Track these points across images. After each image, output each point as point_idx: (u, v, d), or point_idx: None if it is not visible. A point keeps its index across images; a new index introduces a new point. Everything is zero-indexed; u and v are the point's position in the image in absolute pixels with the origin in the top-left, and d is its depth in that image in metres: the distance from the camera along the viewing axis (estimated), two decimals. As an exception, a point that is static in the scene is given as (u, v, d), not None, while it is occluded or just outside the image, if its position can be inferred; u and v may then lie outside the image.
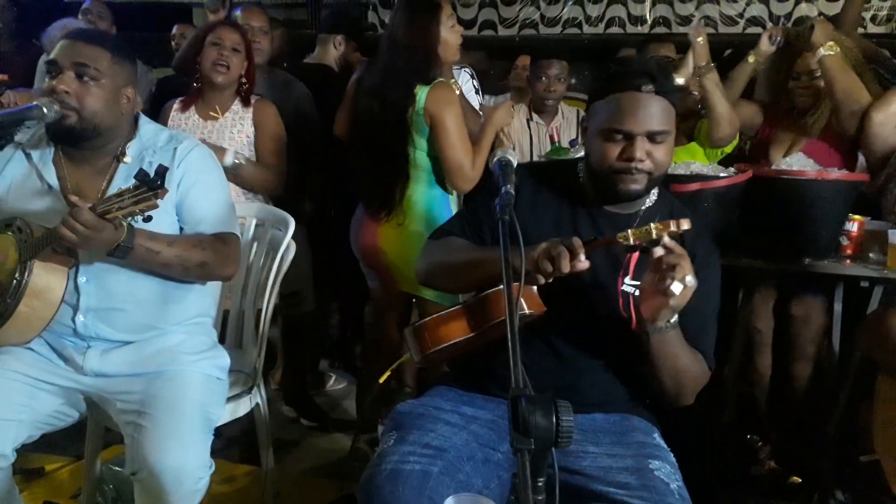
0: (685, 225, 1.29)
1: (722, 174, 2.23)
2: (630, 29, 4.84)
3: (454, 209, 2.42)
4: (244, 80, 2.52)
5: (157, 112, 2.55)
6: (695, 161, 2.39)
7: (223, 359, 1.85)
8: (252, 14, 2.81)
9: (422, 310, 2.44)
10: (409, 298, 2.52)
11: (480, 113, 2.64)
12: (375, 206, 2.39)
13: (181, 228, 1.75)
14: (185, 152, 1.74)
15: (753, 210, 2.27)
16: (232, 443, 2.59)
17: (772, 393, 2.61)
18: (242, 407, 2.00)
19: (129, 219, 1.51)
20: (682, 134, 2.80)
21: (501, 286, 1.18)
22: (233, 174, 2.36)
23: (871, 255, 2.29)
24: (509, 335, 1.07)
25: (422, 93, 2.26)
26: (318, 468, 2.62)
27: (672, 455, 1.49)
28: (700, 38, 2.56)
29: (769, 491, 2.44)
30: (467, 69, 3.04)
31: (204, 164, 1.77)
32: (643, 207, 1.56)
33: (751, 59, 2.68)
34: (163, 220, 1.67)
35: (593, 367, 1.53)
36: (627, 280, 1.45)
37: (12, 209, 1.70)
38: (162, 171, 1.46)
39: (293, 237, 2.11)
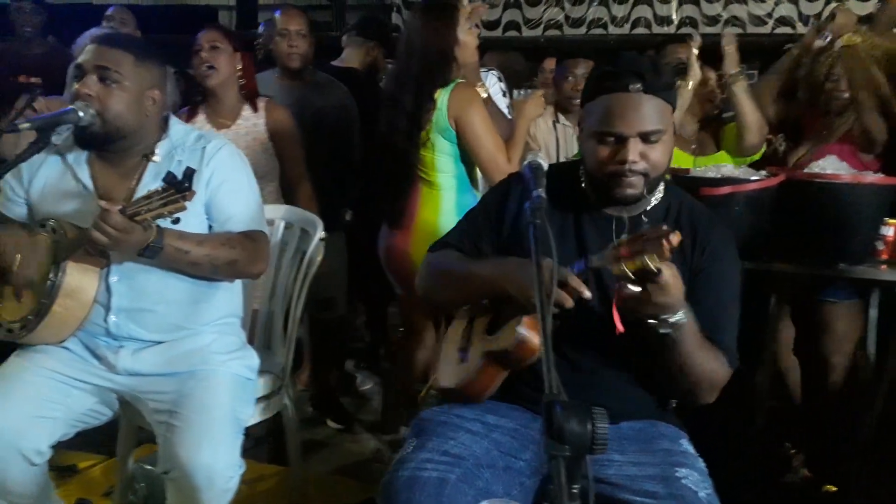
0: (676, 240, 1.23)
1: (753, 177, 2.20)
2: (656, 29, 4.81)
3: None
4: (241, 78, 2.48)
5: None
6: (726, 164, 2.36)
7: (252, 359, 1.87)
8: (291, 17, 2.78)
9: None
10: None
11: (509, 116, 2.64)
12: (395, 219, 2.38)
13: (210, 227, 1.76)
14: (214, 151, 1.76)
15: (786, 214, 2.23)
16: (259, 443, 2.61)
17: (805, 399, 2.57)
18: (271, 407, 2.02)
19: (158, 220, 1.53)
20: (711, 142, 2.78)
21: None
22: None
23: (907, 259, 2.25)
24: (544, 344, 1.06)
25: (443, 96, 2.26)
26: (344, 469, 2.63)
27: (701, 461, 1.47)
28: (730, 47, 2.52)
29: (803, 500, 2.39)
30: (495, 72, 3.03)
31: (232, 163, 1.79)
32: (648, 207, 1.53)
33: (795, 50, 2.64)
34: (192, 219, 1.68)
35: (613, 377, 1.50)
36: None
37: (47, 210, 1.73)
38: (189, 174, 1.48)
39: (331, 244, 2.12)
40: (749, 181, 2.18)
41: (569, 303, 1.31)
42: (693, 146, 2.88)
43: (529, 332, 1.37)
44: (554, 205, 1.51)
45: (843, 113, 2.48)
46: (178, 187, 1.46)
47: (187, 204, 1.49)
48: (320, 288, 2.16)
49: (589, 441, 0.96)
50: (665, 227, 1.23)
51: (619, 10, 4.83)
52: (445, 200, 2.36)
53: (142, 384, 1.74)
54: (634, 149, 1.41)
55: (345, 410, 3.01)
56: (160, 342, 1.76)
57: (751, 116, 2.48)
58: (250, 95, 2.52)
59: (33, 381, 1.67)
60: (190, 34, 4.31)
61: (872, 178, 2.23)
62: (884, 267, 2.24)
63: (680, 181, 2.30)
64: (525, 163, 1.41)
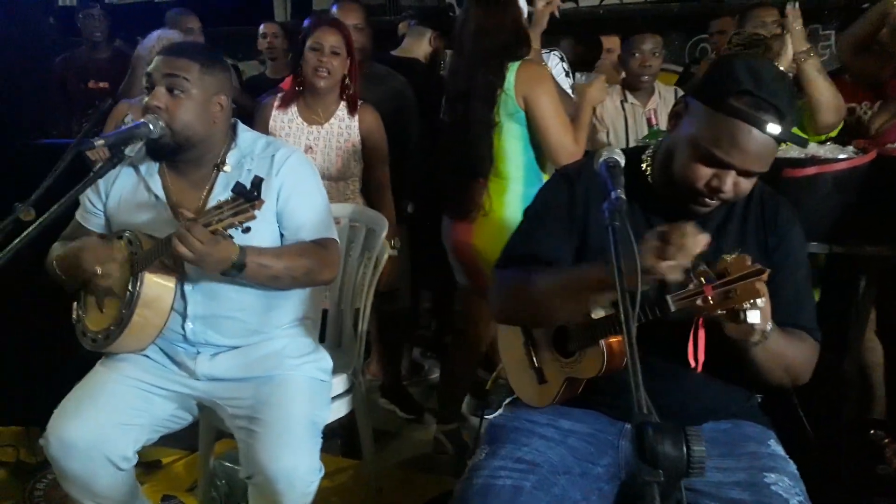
0: (765, 275, 1.15)
1: (841, 156, 2.06)
2: (724, -6, 4.55)
3: None
4: (347, 81, 2.48)
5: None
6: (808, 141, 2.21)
7: (326, 361, 1.88)
8: (348, 12, 2.76)
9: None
10: None
11: (572, 96, 2.55)
12: (461, 210, 2.34)
13: (282, 235, 1.77)
14: (283, 160, 1.76)
15: (877, 192, 2.08)
16: (332, 436, 2.64)
17: (889, 383, 2.44)
18: (344, 406, 2.03)
19: (229, 230, 1.53)
20: None
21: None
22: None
23: None
24: (629, 356, 1.01)
25: (510, 72, 2.20)
26: (415, 460, 2.65)
27: (792, 465, 1.40)
28: (796, 23, 2.33)
29: (899, 492, 2.28)
30: (557, 52, 2.94)
31: (302, 171, 1.79)
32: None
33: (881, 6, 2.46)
34: (264, 228, 1.70)
35: (693, 378, 1.40)
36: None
37: (122, 221, 1.77)
38: (257, 182, 1.48)
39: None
40: (837, 160, 2.05)
41: (675, 273, 1.18)
42: None
43: (613, 354, 1.34)
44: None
45: None
46: (247, 196, 1.47)
47: (257, 213, 1.49)
48: (384, 281, 2.15)
49: (685, 465, 0.93)
50: (754, 266, 1.15)
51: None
52: (512, 192, 2.32)
53: (220, 390, 1.77)
54: (732, 180, 1.33)
55: (413, 400, 3.03)
56: (236, 347, 1.79)
57: (825, 95, 2.30)
58: (352, 99, 2.51)
59: (117, 391, 1.72)
60: (245, 25, 4.35)
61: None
62: None
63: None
64: (601, 160, 1.33)
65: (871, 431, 2.47)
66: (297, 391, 1.73)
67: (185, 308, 1.74)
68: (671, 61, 3.82)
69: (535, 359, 1.52)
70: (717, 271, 1.18)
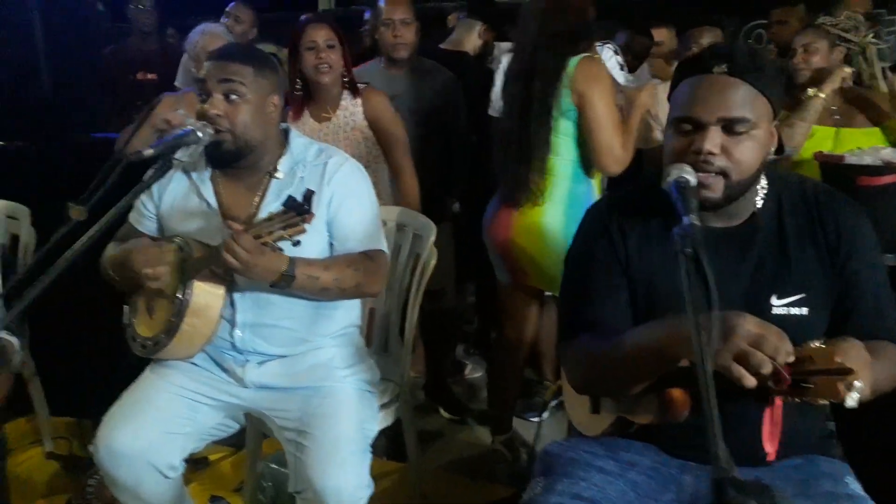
0: (851, 377, 1.04)
1: (921, 162, 1.94)
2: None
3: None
4: (345, 70, 2.45)
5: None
6: (885, 147, 2.09)
7: (373, 371, 1.87)
8: (395, 6, 2.68)
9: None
10: (540, 293, 2.43)
11: (620, 91, 2.46)
12: (514, 194, 2.28)
13: (331, 244, 1.74)
14: (336, 168, 1.73)
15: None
16: (377, 436, 2.62)
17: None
18: (391, 415, 2.00)
19: (279, 242, 1.50)
20: (856, 112, 2.49)
21: None
22: None
23: None
24: (705, 402, 0.94)
25: (570, 66, 2.14)
26: (458, 463, 2.61)
27: None
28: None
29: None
30: (610, 45, 2.83)
31: (354, 180, 1.75)
32: (755, 209, 1.33)
33: None
34: (315, 238, 1.67)
35: (762, 409, 1.31)
36: None
37: (174, 227, 1.76)
38: (309, 195, 1.46)
39: (438, 236, 2.07)
40: (916, 168, 1.92)
41: (750, 381, 1.07)
42: (835, 116, 2.58)
43: (675, 406, 1.25)
44: (651, 229, 1.35)
45: None
46: (298, 210, 1.45)
47: (307, 226, 1.47)
48: (430, 280, 2.11)
49: (767, 528, 0.85)
50: (841, 364, 1.03)
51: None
52: (558, 188, 2.26)
53: (268, 400, 1.75)
54: (713, 138, 1.22)
55: (457, 400, 2.99)
56: (283, 356, 1.77)
57: None
58: (351, 84, 2.49)
59: (165, 400, 1.72)
60: (290, 11, 4.31)
61: None
62: None
63: (832, 170, 2.07)
64: (670, 179, 1.25)
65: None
66: (345, 404, 1.71)
67: (234, 316, 1.72)
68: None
69: None
70: (800, 357, 1.07)
